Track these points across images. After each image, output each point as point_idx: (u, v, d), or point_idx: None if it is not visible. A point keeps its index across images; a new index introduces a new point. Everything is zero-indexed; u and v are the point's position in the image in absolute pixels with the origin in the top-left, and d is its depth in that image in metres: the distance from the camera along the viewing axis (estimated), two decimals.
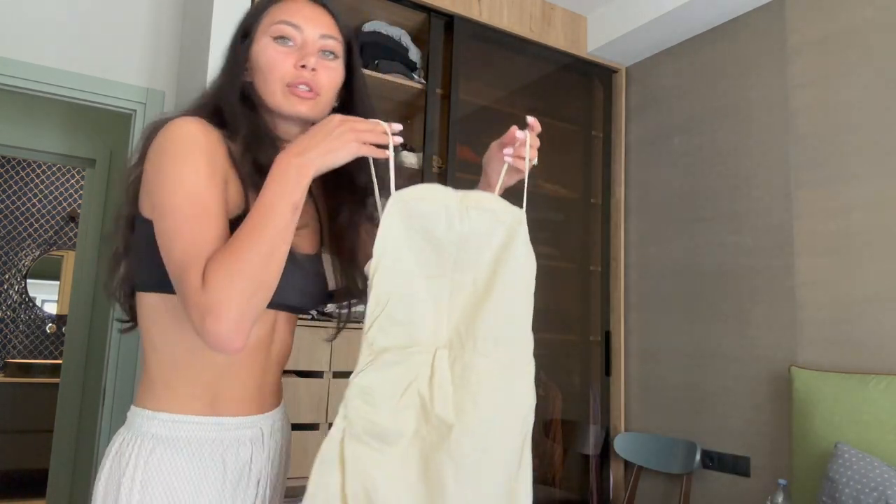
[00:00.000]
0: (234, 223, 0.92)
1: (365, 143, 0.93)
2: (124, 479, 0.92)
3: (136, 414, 0.97)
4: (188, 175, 0.90)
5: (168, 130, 0.93)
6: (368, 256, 0.95)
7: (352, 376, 0.91)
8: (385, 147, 0.95)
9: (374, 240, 0.94)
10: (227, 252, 0.85)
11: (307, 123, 1.05)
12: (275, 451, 1.08)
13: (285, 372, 2.21)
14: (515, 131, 1.05)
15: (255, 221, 0.87)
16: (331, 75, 1.05)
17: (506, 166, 1.07)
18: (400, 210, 0.95)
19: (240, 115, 1.01)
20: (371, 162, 1.01)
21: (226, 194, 0.94)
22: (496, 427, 0.94)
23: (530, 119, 1.06)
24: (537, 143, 1.07)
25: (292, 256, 0.95)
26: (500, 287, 0.96)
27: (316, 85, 1.02)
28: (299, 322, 2.29)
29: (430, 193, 0.96)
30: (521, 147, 1.04)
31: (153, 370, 0.98)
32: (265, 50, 1.02)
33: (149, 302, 0.98)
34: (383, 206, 0.97)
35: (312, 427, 2.21)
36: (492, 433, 0.93)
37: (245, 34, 1.06)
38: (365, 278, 0.98)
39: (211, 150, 0.94)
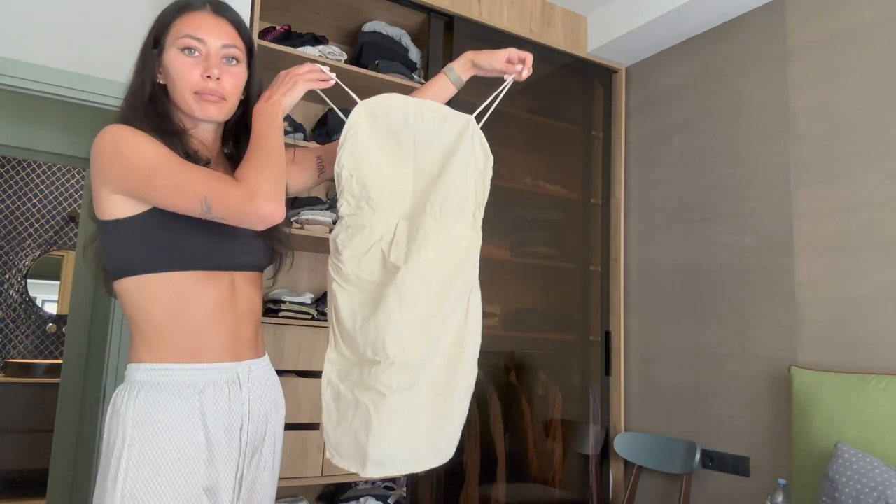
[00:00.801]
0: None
1: (308, 81, 1.23)
2: (119, 419, 1.11)
3: (127, 369, 1.17)
4: (146, 145, 1.09)
5: (104, 135, 1.11)
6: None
7: (332, 239, 1.24)
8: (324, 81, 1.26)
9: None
10: (249, 159, 1.12)
11: (218, 124, 1.26)
12: (255, 392, 1.24)
13: (286, 372, 2.22)
14: (517, 61, 1.38)
15: (258, 142, 1.14)
16: (234, 80, 1.22)
17: (510, 78, 1.39)
18: (365, 113, 1.24)
19: (148, 114, 1.17)
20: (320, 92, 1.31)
21: None
22: (434, 268, 1.22)
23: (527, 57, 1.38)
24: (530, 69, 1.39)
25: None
26: (449, 172, 1.25)
27: (222, 91, 1.19)
28: (299, 322, 2.30)
29: (391, 99, 1.25)
30: (523, 67, 1.37)
31: (136, 336, 1.17)
32: (174, 61, 1.17)
33: (123, 287, 1.16)
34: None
35: (313, 427, 2.21)
36: (429, 271, 1.21)
37: (156, 42, 1.20)
38: (276, 239, 1.30)
39: (146, 137, 1.11)
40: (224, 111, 1.21)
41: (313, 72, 1.25)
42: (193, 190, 1.06)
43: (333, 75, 1.27)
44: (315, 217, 2.36)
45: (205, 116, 1.19)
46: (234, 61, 1.21)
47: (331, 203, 2.62)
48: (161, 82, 1.20)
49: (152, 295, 1.13)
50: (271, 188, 1.07)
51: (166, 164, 1.08)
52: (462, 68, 1.45)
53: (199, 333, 1.16)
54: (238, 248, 1.21)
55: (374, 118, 1.24)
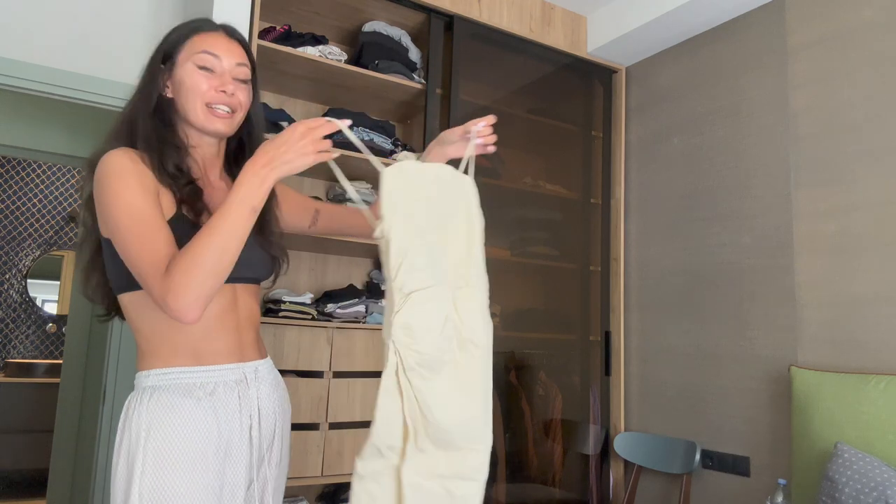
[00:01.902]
0: (171, 223, 1.15)
1: (320, 152, 1.13)
2: (133, 422, 1.14)
3: (136, 378, 1.20)
4: (126, 197, 1.12)
5: (103, 164, 1.15)
6: (273, 229, 1.31)
7: (390, 316, 1.11)
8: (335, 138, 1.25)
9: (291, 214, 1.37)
10: (189, 246, 1.06)
11: (221, 139, 1.31)
12: (263, 391, 1.28)
13: (286, 372, 2.22)
14: (478, 122, 1.31)
15: (215, 221, 1.07)
16: (245, 95, 1.28)
17: (471, 145, 1.32)
18: (401, 177, 1.16)
19: (150, 126, 1.22)
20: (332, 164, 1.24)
21: (159, 204, 1.15)
22: (487, 338, 1.20)
23: (489, 117, 1.33)
24: (493, 136, 1.33)
25: None
26: (474, 236, 1.23)
27: (235, 103, 1.25)
28: (299, 323, 2.30)
29: (419, 165, 1.21)
30: (483, 134, 1.31)
31: (143, 345, 1.21)
32: (190, 74, 1.23)
33: (127, 300, 1.21)
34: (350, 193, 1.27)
35: (312, 427, 2.21)
36: (487, 342, 1.19)
37: (165, 58, 1.26)
38: (276, 247, 1.32)
39: (138, 171, 1.15)
40: (231, 125, 1.26)
41: (326, 142, 1.16)
42: (134, 263, 1.09)
43: (348, 122, 1.20)
44: None
45: (212, 129, 1.24)
46: (243, 81, 1.28)
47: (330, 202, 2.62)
48: (169, 96, 1.26)
49: (154, 306, 1.17)
50: (190, 293, 1.04)
51: (128, 228, 1.10)
52: (438, 158, 1.38)
53: (204, 340, 1.20)
54: (239, 263, 1.23)
55: (407, 183, 1.17)
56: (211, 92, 1.23)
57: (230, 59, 1.25)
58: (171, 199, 1.19)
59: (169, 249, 1.09)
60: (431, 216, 1.18)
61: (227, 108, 1.24)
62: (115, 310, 1.31)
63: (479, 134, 1.31)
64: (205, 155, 1.30)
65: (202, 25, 1.27)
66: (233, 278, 1.23)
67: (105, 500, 2.47)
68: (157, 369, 1.18)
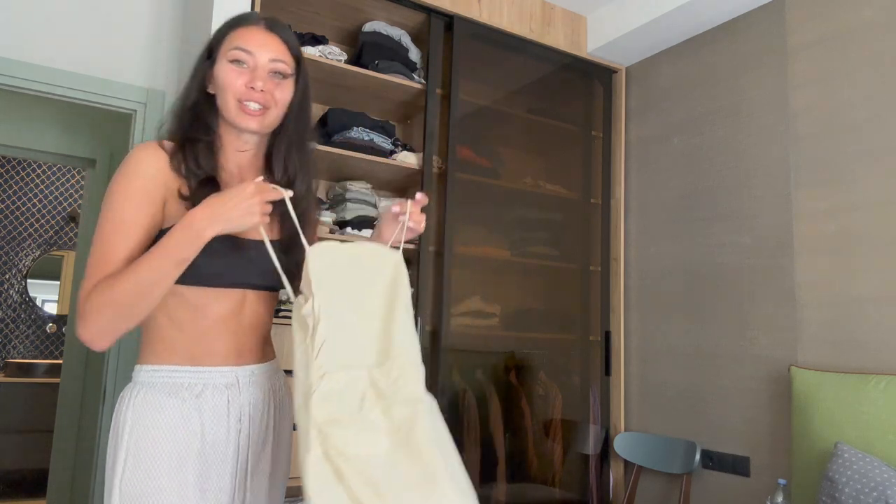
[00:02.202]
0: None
1: (263, 216, 1.12)
2: (120, 418, 1.16)
3: (133, 370, 1.21)
4: (118, 199, 1.13)
5: (127, 156, 1.17)
6: (298, 254, 1.22)
7: (306, 396, 1.05)
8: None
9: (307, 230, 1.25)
10: (112, 281, 1.07)
11: (258, 135, 1.27)
12: (257, 396, 1.26)
13: (286, 372, 2.22)
14: (408, 203, 1.27)
15: (140, 265, 1.07)
16: (280, 92, 1.25)
17: (402, 226, 1.27)
18: (326, 256, 1.14)
19: (186, 121, 1.23)
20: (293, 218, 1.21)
21: (156, 212, 1.15)
22: (425, 408, 1.12)
23: (418, 195, 1.27)
24: (421, 217, 1.28)
25: (255, 245, 1.21)
26: (398, 310, 1.18)
27: (268, 100, 1.22)
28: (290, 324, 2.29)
29: (340, 245, 1.17)
30: (412, 214, 1.26)
31: (144, 339, 1.22)
32: (223, 70, 1.22)
33: None
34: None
35: None
36: (421, 414, 1.10)
37: (210, 54, 1.26)
38: (294, 261, 1.25)
39: (149, 175, 1.15)
40: (264, 123, 1.23)
41: (269, 206, 1.14)
42: (88, 262, 1.12)
43: (289, 205, 1.18)
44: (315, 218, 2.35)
45: (244, 126, 1.22)
46: (281, 76, 1.25)
47: (330, 203, 2.62)
48: (210, 92, 1.25)
49: (161, 303, 1.18)
50: (97, 327, 1.07)
51: (101, 227, 1.13)
52: (376, 238, 1.35)
53: (201, 341, 1.20)
54: (251, 271, 1.24)
55: (332, 262, 1.15)
56: (242, 88, 1.20)
57: (264, 54, 1.22)
58: (181, 207, 1.18)
59: (118, 266, 1.10)
60: (353, 295, 1.15)
61: (257, 105, 1.21)
62: None
63: (411, 216, 1.26)
64: (242, 155, 1.28)
65: (243, 19, 1.26)
66: (242, 284, 1.23)
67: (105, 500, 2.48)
68: (150, 365, 1.18)
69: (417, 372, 1.16)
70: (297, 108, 1.30)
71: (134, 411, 1.15)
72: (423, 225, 1.28)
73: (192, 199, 1.16)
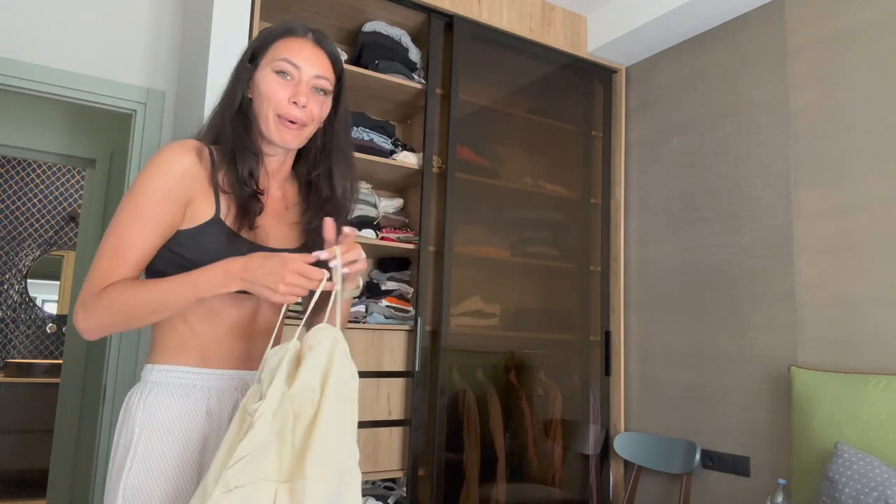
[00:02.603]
0: (202, 228, 1.15)
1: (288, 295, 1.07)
2: (130, 417, 1.15)
3: (143, 370, 1.21)
4: (141, 195, 1.13)
5: (158, 152, 1.16)
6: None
7: (203, 496, 0.98)
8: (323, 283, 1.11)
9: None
10: (130, 291, 1.09)
11: (290, 150, 1.27)
12: None
13: None
14: (335, 248, 1.14)
15: (165, 288, 1.09)
16: (320, 109, 1.23)
17: (337, 276, 1.14)
18: (279, 355, 1.07)
19: (233, 127, 1.20)
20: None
21: (176, 213, 1.14)
22: None
23: (346, 228, 1.17)
24: (355, 253, 1.16)
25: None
26: (325, 412, 1.04)
27: (306, 116, 1.20)
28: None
29: (296, 344, 1.08)
30: (344, 254, 1.14)
31: (156, 338, 1.22)
32: (266, 79, 1.20)
33: None
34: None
35: None
36: None
37: (253, 57, 1.23)
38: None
39: (178, 174, 1.14)
40: (300, 138, 1.22)
41: (301, 292, 1.09)
42: (97, 255, 1.13)
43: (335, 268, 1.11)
44: None
45: (280, 142, 1.21)
46: (322, 92, 1.23)
47: None
48: (249, 96, 1.23)
49: None
50: (100, 326, 1.10)
51: (124, 220, 1.13)
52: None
53: (212, 344, 1.20)
54: None
55: (286, 364, 1.07)
56: (284, 102, 1.19)
57: (310, 69, 1.20)
58: (210, 203, 1.17)
59: (130, 269, 1.12)
60: (293, 401, 1.04)
61: (297, 120, 1.20)
62: None
63: (343, 259, 1.14)
64: (271, 163, 1.27)
65: (293, 30, 1.23)
66: None
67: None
68: (162, 364, 1.19)
69: (323, 492, 1.01)
70: (343, 124, 1.29)
71: (144, 411, 1.14)
72: (361, 263, 1.16)
73: (238, 209, 1.17)
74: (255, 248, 1.19)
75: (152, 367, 1.19)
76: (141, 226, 1.12)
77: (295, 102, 1.19)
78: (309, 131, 1.23)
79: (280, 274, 1.06)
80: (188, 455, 1.15)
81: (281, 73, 1.19)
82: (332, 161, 1.30)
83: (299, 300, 1.28)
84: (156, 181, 1.13)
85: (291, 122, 1.19)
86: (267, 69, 1.20)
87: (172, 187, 1.13)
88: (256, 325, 1.25)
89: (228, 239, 1.16)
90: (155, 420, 1.14)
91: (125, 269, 1.12)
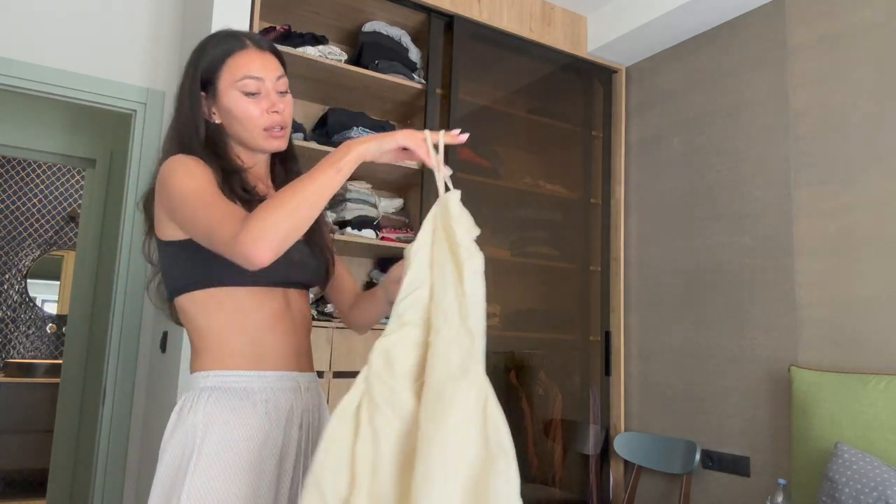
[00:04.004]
0: None
1: (417, 143, 1.06)
2: (189, 423, 1.12)
3: (193, 378, 1.19)
4: (193, 176, 1.11)
5: (169, 161, 1.16)
6: (322, 237, 1.30)
7: (378, 339, 1.01)
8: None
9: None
10: (279, 201, 1.00)
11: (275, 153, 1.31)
12: (313, 404, 1.26)
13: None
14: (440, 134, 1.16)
15: (305, 179, 1.03)
16: (289, 108, 1.26)
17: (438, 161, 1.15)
18: (438, 213, 1.07)
19: (207, 156, 1.19)
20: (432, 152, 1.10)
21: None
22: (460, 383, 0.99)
23: (455, 131, 1.17)
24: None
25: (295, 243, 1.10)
26: (466, 276, 1.03)
27: (286, 119, 1.24)
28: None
29: (460, 204, 1.08)
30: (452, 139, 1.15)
31: (199, 345, 1.20)
32: (238, 103, 1.21)
33: (188, 300, 1.19)
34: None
35: None
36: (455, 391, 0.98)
37: (205, 85, 1.22)
38: (325, 251, 1.31)
39: (202, 165, 1.15)
40: (286, 140, 1.27)
41: (421, 146, 1.09)
42: (202, 224, 1.07)
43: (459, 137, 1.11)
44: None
45: (272, 149, 1.25)
46: (285, 92, 1.26)
47: (330, 203, 2.62)
48: (217, 122, 1.24)
49: (213, 307, 1.18)
50: (265, 232, 0.98)
51: (193, 198, 1.09)
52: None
53: (262, 342, 1.19)
54: (291, 267, 1.24)
55: (444, 215, 1.07)
56: (264, 116, 1.21)
57: (271, 75, 1.22)
58: None
59: (243, 213, 1.05)
60: (448, 254, 1.05)
61: (280, 126, 1.23)
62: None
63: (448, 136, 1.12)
64: (257, 172, 1.30)
65: (232, 46, 1.22)
66: (284, 282, 1.23)
67: (105, 500, 2.47)
68: (215, 371, 1.17)
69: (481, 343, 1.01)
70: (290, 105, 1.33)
71: (207, 414, 1.13)
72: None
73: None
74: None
75: (206, 373, 1.17)
76: (215, 192, 1.10)
77: (276, 111, 1.22)
78: (289, 130, 1.27)
79: (399, 133, 1.06)
80: (256, 457, 1.14)
81: (250, 93, 1.20)
82: (287, 157, 1.36)
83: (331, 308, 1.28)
84: (191, 170, 1.12)
85: (278, 129, 1.23)
86: (232, 93, 1.20)
87: (205, 169, 1.14)
88: (295, 317, 1.25)
89: None
90: (220, 420, 1.13)
91: (242, 212, 1.06)
